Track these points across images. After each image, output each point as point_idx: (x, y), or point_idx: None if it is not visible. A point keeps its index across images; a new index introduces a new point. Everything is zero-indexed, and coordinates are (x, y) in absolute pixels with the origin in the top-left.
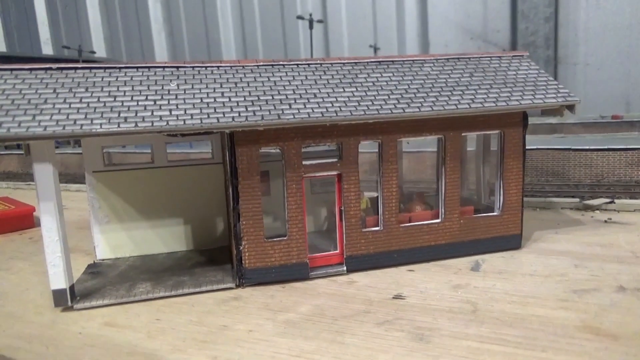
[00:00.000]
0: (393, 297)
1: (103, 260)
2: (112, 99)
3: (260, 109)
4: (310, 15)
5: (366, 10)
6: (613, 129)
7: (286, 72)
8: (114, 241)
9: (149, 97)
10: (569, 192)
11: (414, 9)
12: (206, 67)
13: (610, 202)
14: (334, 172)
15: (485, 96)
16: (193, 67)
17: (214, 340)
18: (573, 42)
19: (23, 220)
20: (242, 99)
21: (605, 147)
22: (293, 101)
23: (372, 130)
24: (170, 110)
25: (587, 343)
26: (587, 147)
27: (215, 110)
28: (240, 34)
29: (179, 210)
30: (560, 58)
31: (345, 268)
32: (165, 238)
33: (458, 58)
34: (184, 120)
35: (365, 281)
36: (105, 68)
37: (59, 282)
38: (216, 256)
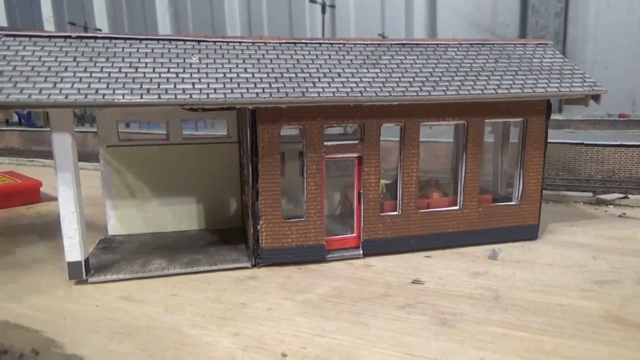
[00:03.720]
0: (412, 282)
1: (114, 236)
2: (134, 70)
3: (284, 86)
4: None
5: None
6: (620, 127)
7: (309, 51)
8: (126, 217)
9: (171, 70)
10: (580, 186)
11: None
12: (228, 42)
13: (624, 197)
14: (355, 154)
15: (511, 82)
16: (215, 41)
17: (234, 317)
18: (582, 39)
19: (30, 195)
20: (265, 75)
21: (618, 143)
22: (317, 80)
23: (396, 113)
24: (193, 84)
25: (614, 332)
26: (599, 143)
27: (238, 85)
28: (246, 18)
29: (192, 188)
30: (569, 54)
31: (361, 252)
32: (178, 216)
33: (482, 44)
34: (208, 94)
35: (382, 265)
36: (125, 39)
37: (74, 254)
38: (229, 236)
